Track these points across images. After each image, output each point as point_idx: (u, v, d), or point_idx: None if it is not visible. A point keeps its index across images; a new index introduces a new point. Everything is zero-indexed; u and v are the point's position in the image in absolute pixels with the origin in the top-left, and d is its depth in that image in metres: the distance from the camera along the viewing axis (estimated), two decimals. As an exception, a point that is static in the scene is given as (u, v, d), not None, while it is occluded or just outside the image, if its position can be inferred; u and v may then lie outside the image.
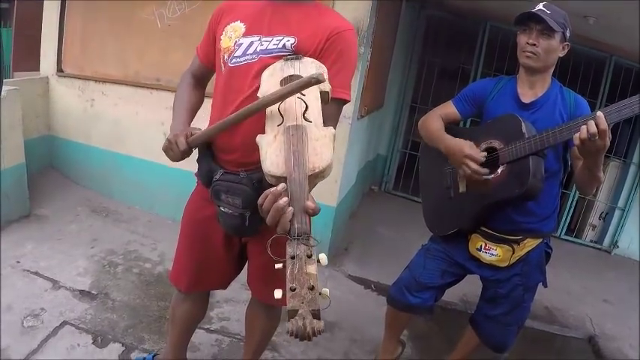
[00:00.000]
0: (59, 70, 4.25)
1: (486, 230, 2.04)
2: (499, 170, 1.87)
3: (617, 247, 5.44)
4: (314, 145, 1.14)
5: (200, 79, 1.79)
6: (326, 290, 0.89)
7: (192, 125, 1.61)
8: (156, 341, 2.47)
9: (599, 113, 1.54)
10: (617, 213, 5.44)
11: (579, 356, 3.27)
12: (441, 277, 2.18)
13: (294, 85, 1.21)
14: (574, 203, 5.47)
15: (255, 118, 1.36)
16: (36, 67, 4.53)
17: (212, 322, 2.72)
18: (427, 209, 2.28)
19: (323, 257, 0.94)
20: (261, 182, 1.47)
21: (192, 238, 1.79)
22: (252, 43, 1.50)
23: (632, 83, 5.02)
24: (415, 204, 4.94)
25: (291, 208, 1.00)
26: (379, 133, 5.50)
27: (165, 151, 1.50)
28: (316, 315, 0.86)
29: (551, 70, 1.97)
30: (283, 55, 1.45)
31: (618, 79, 5.06)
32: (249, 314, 2.03)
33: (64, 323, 2.47)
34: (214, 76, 1.69)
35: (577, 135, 1.56)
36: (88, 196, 4.06)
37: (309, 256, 0.92)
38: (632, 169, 5.34)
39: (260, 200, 1.07)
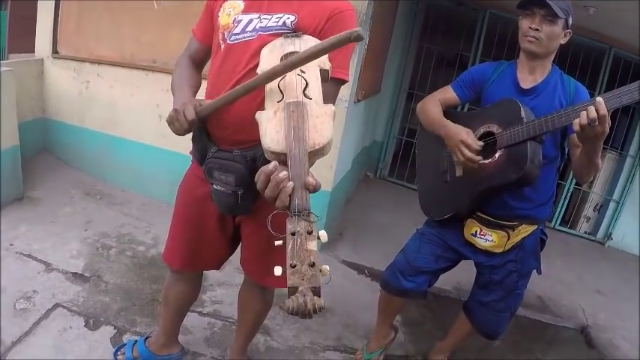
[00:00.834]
0: (54, 51, 4.20)
1: (482, 216, 2.03)
2: (496, 155, 1.86)
3: (611, 239, 5.46)
4: (314, 122, 1.13)
5: (198, 62, 1.75)
6: (326, 267, 0.88)
7: None
8: (148, 324, 2.47)
9: (599, 99, 1.53)
10: (611, 205, 5.46)
11: (571, 346, 3.28)
12: (435, 261, 2.18)
13: (305, 54, 1.19)
14: (569, 194, 5.49)
15: (252, 95, 1.35)
16: (31, 48, 4.48)
17: (205, 305, 2.72)
18: (423, 193, 2.28)
19: (323, 234, 0.93)
20: (255, 160, 1.46)
21: (185, 217, 1.78)
22: (251, 20, 1.49)
23: (631, 75, 5.01)
24: (410, 191, 4.97)
25: (291, 182, 0.98)
26: (376, 119, 5.49)
27: (170, 123, 1.44)
28: (317, 292, 0.85)
29: (552, 57, 1.96)
30: (283, 33, 1.44)
31: (617, 71, 5.05)
32: (243, 296, 2.03)
33: (56, 305, 2.46)
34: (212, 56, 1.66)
35: (577, 120, 1.56)
36: (82, 179, 4.04)
37: (310, 233, 0.90)
38: (629, 161, 5.35)
39: (257, 176, 1.03)
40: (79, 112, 4.11)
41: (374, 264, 3.44)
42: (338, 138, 3.16)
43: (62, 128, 4.25)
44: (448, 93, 2.17)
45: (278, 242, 0.90)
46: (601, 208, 5.55)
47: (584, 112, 1.53)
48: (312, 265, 0.86)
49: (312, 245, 0.89)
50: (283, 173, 0.99)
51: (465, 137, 1.89)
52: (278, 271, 0.87)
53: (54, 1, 4.12)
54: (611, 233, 5.46)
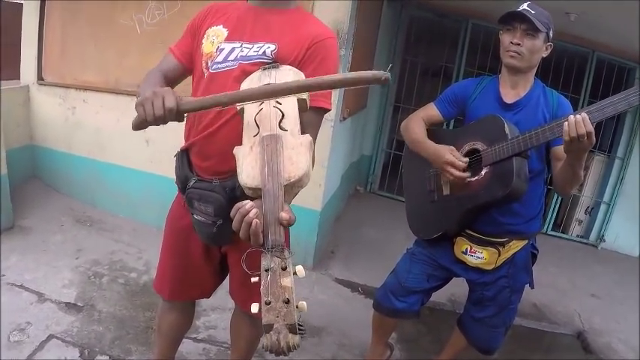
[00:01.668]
0: (40, 78, 4.20)
1: (471, 233, 2.03)
2: (482, 172, 1.87)
3: (604, 241, 5.49)
4: (289, 154, 1.12)
5: (169, 79, 1.61)
6: (303, 303, 0.88)
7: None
8: (143, 352, 2.45)
9: (584, 115, 1.55)
10: (602, 207, 5.49)
11: (569, 352, 3.28)
12: (426, 281, 2.18)
13: (284, 86, 1.18)
14: (559, 199, 5.50)
15: (232, 126, 1.35)
16: (16, 75, 4.48)
17: (199, 331, 2.70)
18: (411, 213, 2.27)
19: (300, 269, 0.93)
20: (234, 190, 1.46)
21: (173, 247, 1.78)
22: (233, 49, 1.50)
23: (615, 78, 5.07)
24: (401, 204, 4.87)
25: (256, 221, 0.98)
26: (363, 133, 5.50)
27: (139, 105, 1.23)
28: (292, 329, 0.85)
29: (534, 70, 1.97)
30: (263, 62, 1.45)
31: (601, 75, 5.11)
32: (234, 323, 2.02)
33: (50, 337, 2.44)
34: (192, 83, 1.64)
35: (566, 130, 1.57)
36: (72, 205, 4.02)
37: (284, 269, 0.90)
38: (617, 163, 5.38)
39: (232, 213, 1.04)
40: (67, 139, 4.10)
41: (367, 281, 3.43)
42: (325, 157, 3.18)
43: (50, 155, 4.23)
44: (431, 111, 2.17)
45: (254, 279, 0.91)
46: (592, 211, 5.58)
47: (574, 127, 1.54)
48: (287, 301, 0.86)
49: (287, 282, 0.89)
50: (252, 212, 1.00)
51: (449, 158, 1.89)
52: (255, 308, 0.87)
53: (38, 28, 4.13)
54: (603, 235, 5.48)
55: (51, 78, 4.16)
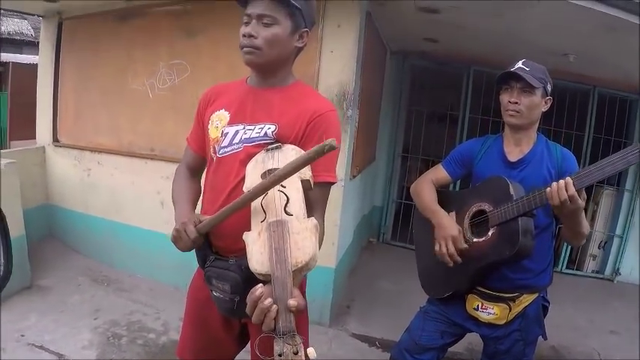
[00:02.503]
0: (55, 140, 4.35)
1: (482, 290, 2.05)
2: (489, 233, 1.90)
3: (620, 274, 5.43)
4: (296, 239, 1.17)
5: (195, 170, 1.80)
6: (311, 350, 0.94)
7: None
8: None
9: (567, 179, 1.61)
10: (615, 241, 5.45)
11: (590, 393, 3.24)
12: (440, 337, 2.19)
13: (290, 167, 1.23)
14: (572, 236, 5.47)
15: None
16: (32, 134, 4.62)
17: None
18: (423, 272, 2.30)
19: (311, 351, 0.98)
20: (249, 269, 1.51)
21: (194, 317, 1.81)
22: (237, 132, 1.55)
23: (618, 111, 5.12)
24: (414, 253, 4.92)
25: (275, 307, 1.05)
26: (373, 185, 5.55)
27: (174, 241, 1.47)
28: None
29: (536, 126, 2.01)
30: (266, 143, 1.49)
31: (604, 109, 5.16)
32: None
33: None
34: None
35: (550, 194, 1.63)
36: (89, 265, 4.08)
37: (296, 353, 0.97)
38: (627, 196, 5.38)
39: (247, 299, 1.11)
40: (82, 199, 4.21)
41: (384, 334, 3.42)
42: (337, 216, 3.23)
43: (66, 214, 4.34)
44: (440, 172, 2.21)
45: None
46: (605, 245, 5.55)
47: (556, 193, 1.60)
48: None
49: None
50: (268, 300, 1.06)
51: (456, 234, 1.95)
52: None
53: (52, 91, 4.30)
54: (618, 268, 5.43)
55: (66, 140, 4.30)
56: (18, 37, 10.60)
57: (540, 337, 2.18)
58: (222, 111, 1.60)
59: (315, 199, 1.43)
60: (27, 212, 3.72)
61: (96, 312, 3.40)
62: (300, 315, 1.14)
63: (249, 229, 1.29)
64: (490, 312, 2.05)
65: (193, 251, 1.70)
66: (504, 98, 1.96)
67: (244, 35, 1.47)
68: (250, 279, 1.17)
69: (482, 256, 1.92)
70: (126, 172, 3.92)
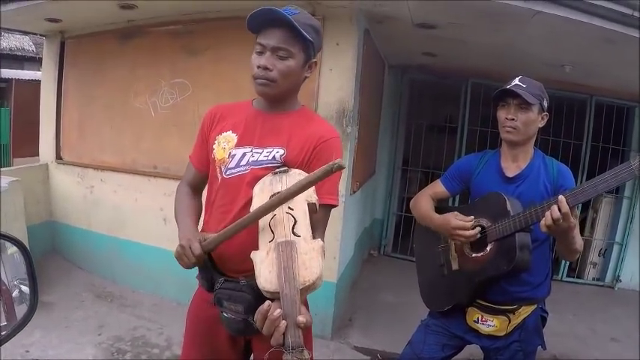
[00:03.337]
0: (58, 157, 4.39)
1: (482, 303, 2.07)
2: (488, 248, 1.93)
3: (620, 281, 5.46)
4: (303, 260, 1.21)
5: (196, 188, 1.82)
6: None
7: None
8: None
9: (560, 197, 1.64)
10: (615, 248, 5.48)
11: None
12: (441, 350, 2.21)
13: (294, 188, 1.30)
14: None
15: (248, 230, 1.43)
16: (35, 151, 4.67)
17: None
18: (423, 286, 2.34)
19: None
20: None
21: (197, 337, 1.82)
22: (244, 154, 1.58)
23: (615, 119, 5.16)
24: (415, 265, 4.92)
25: (284, 321, 1.10)
26: (374, 198, 5.59)
27: (178, 258, 1.48)
28: None
29: (533, 141, 2.04)
30: (273, 166, 1.53)
31: (601, 118, 5.20)
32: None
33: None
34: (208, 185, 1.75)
35: (543, 222, 1.66)
36: (93, 281, 4.11)
37: None
38: (625, 203, 5.41)
39: (256, 314, 1.16)
40: (86, 216, 4.24)
41: (386, 346, 3.44)
42: (338, 231, 3.26)
43: (70, 231, 4.38)
44: (438, 187, 2.25)
45: None
46: (605, 252, 5.57)
47: (548, 213, 1.63)
48: None
49: None
50: (277, 311, 1.11)
51: (455, 223, 1.97)
52: None
53: (55, 108, 4.36)
54: (619, 275, 5.46)
55: (69, 157, 4.35)
56: (19, 53, 10.65)
57: (540, 347, 2.21)
58: (230, 133, 1.63)
59: (318, 221, 1.46)
60: (30, 229, 3.76)
61: (100, 328, 3.43)
62: (307, 331, 1.18)
63: (253, 250, 1.32)
64: (490, 324, 2.08)
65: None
66: (501, 115, 1.99)
67: (259, 67, 1.49)
68: (262, 298, 1.21)
69: (481, 271, 1.95)
70: (129, 189, 3.96)
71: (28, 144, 5.25)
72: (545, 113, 1.99)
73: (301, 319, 1.10)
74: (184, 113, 3.59)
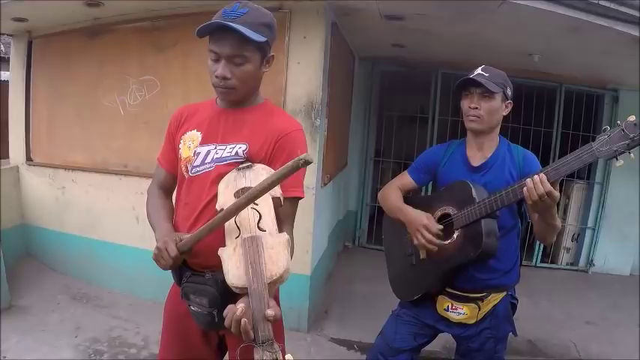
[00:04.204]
0: (28, 159, 4.33)
1: (451, 291, 2.10)
2: (455, 235, 1.95)
3: (594, 265, 5.60)
4: (270, 254, 1.23)
5: (167, 189, 1.82)
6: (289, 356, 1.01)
7: None
8: None
9: (542, 176, 1.66)
10: (588, 233, 5.62)
11: (567, 385, 3.32)
12: (413, 339, 2.24)
13: (258, 188, 1.28)
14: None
15: None
16: (5, 154, 4.58)
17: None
18: (393, 277, 2.36)
19: (289, 358, 1.06)
20: (225, 282, 1.54)
21: (172, 333, 1.83)
22: (209, 151, 1.59)
23: (585, 106, 5.26)
24: (385, 256, 5.02)
25: (244, 320, 1.11)
26: (347, 190, 5.61)
27: (156, 260, 1.48)
28: None
29: (497, 129, 2.07)
30: (237, 162, 1.54)
31: (571, 105, 5.29)
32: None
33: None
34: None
35: (527, 195, 1.67)
36: (67, 283, 4.07)
37: None
38: (597, 189, 5.54)
39: (225, 313, 1.18)
40: (58, 217, 4.20)
41: (363, 337, 3.46)
42: (310, 224, 3.28)
43: (43, 233, 4.33)
44: (405, 179, 2.26)
45: None
46: (578, 237, 5.70)
47: (533, 189, 1.65)
48: None
49: None
50: (240, 306, 1.14)
51: (426, 222, 1.99)
52: None
53: (24, 109, 4.31)
54: (592, 260, 5.59)
55: (39, 158, 4.29)
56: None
57: (511, 333, 2.24)
58: (194, 131, 1.64)
59: (285, 214, 1.48)
60: (3, 233, 3.71)
61: (76, 330, 3.40)
62: (277, 324, 1.20)
63: (222, 246, 1.34)
64: (460, 312, 2.10)
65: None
66: (465, 104, 2.01)
67: (217, 77, 1.49)
68: (227, 292, 1.23)
69: (449, 258, 1.97)
70: (100, 188, 3.93)
71: (-1, 146, 5.16)
72: (509, 101, 2.02)
73: (270, 312, 1.11)
74: (153, 110, 3.58)
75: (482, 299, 2.07)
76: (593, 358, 3.55)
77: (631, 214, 5.47)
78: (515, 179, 1.92)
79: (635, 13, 3.00)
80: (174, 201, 1.76)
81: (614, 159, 1.62)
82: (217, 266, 1.50)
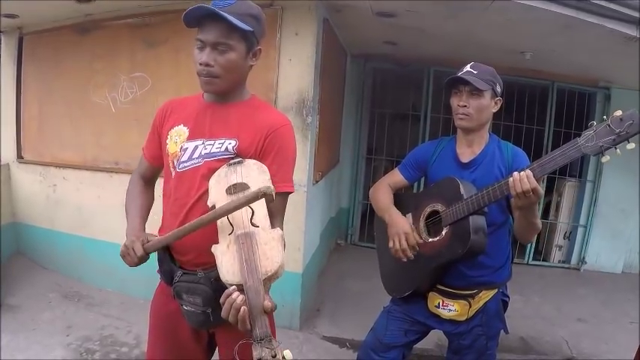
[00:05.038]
0: (19, 156, 4.29)
1: (442, 288, 2.10)
2: (443, 232, 1.95)
3: (585, 263, 5.61)
4: (264, 250, 1.23)
5: (148, 180, 1.84)
6: (288, 352, 1.02)
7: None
8: None
9: (528, 172, 1.65)
10: (580, 230, 5.63)
11: (558, 382, 3.33)
12: (404, 335, 2.24)
13: (243, 200, 1.31)
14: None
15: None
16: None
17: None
18: (384, 274, 2.36)
19: (288, 353, 1.06)
20: (219, 280, 1.53)
21: (160, 332, 1.82)
22: (196, 147, 1.58)
23: (577, 104, 5.27)
24: (377, 253, 5.01)
25: (244, 308, 1.12)
26: (339, 187, 5.61)
27: (122, 257, 1.53)
28: None
29: (487, 126, 2.07)
30: (227, 158, 1.53)
31: (563, 103, 5.31)
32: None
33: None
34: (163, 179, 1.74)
35: (513, 192, 1.67)
36: (59, 281, 4.05)
37: (274, 357, 1.04)
38: (589, 187, 5.55)
39: (221, 300, 1.19)
40: (49, 215, 4.18)
41: (355, 335, 3.45)
42: (302, 221, 3.26)
43: (34, 231, 4.30)
44: (396, 176, 2.27)
45: None
46: (570, 235, 5.72)
47: (518, 184, 1.65)
48: None
49: None
50: (240, 299, 1.14)
51: (408, 230, 2.01)
52: None
53: (15, 107, 4.26)
54: (584, 257, 5.61)
55: (30, 156, 4.26)
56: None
57: (502, 330, 2.25)
58: (181, 126, 1.63)
59: (276, 209, 1.48)
60: (-6, 231, 3.69)
61: (68, 328, 3.38)
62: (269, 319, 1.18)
63: (213, 243, 1.33)
64: (451, 309, 2.11)
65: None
66: (454, 102, 2.01)
67: (201, 64, 1.49)
68: (220, 290, 1.22)
69: (438, 255, 1.97)
70: (91, 186, 3.91)
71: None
72: (499, 98, 2.02)
73: (268, 304, 1.12)
74: (144, 107, 3.55)
75: (473, 296, 2.08)
76: (584, 356, 3.55)
77: (622, 212, 5.51)
78: (505, 175, 1.91)
79: (627, 11, 3.01)
80: (161, 197, 1.74)
81: (600, 154, 1.61)
82: (209, 264, 1.49)
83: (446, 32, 3.85)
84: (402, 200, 2.19)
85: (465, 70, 1.98)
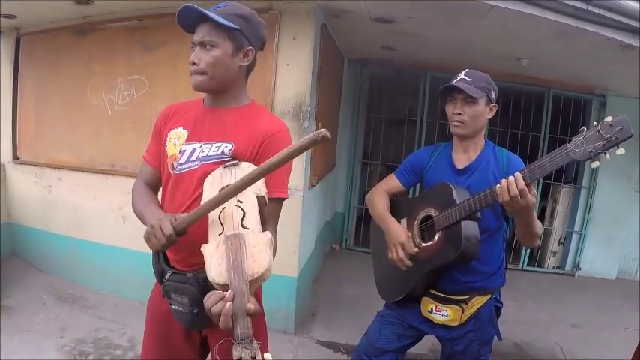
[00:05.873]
0: (15, 157, 4.29)
1: (435, 292, 2.11)
2: (436, 237, 1.96)
3: (580, 269, 5.64)
4: (252, 252, 1.23)
5: (152, 186, 1.81)
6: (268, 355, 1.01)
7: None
8: None
9: (516, 174, 1.67)
10: (574, 237, 5.66)
11: (552, 388, 3.34)
12: (397, 340, 2.24)
13: (253, 174, 1.29)
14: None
15: (201, 221, 1.43)
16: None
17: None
18: (379, 278, 2.37)
19: (267, 356, 1.05)
20: (206, 281, 1.53)
21: (154, 333, 1.83)
22: (194, 149, 1.60)
23: (572, 111, 5.29)
24: (372, 258, 5.01)
25: (230, 302, 1.12)
26: (334, 192, 5.62)
27: (147, 239, 1.42)
28: None
29: (482, 133, 2.09)
30: (223, 161, 1.54)
31: (559, 110, 5.32)
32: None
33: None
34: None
35: (500, 197, 1.69)
36: (53, 283, 4.04)
37: (253, 358, 1.03)
38: (583, 193, 5.58)
39: (206, 297, 1.19)
40: (44, 217, 4.17)
41: (349, 339, 3.45)
42: (297, 225, 3.25)
43: (29, 232, 4.29)
44: (392, 182, 2.28)
45: None
46: (565, 241, 5.74)
47: (506, 189, 1.66)
48: None
49: None
50: (229, 293, 1.13)
51: (404, 240, 2.03)
52: None
53: (11, 108, 4.26)
54: (578, 263, 5.63)
55: (26, 157, 4.25)
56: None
57: (495, 336, 2.25)
58: (180, 129, 1.65)
59: (269, 214, 1.49)
60: (-11, 231, 3.68)
61: (62, 330, 3.37)
62: (257, 321, 1.20)
63: (204, 242, 1.33)
64: (444, 314, 2.11)
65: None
66: (449, 109, 2.03)
67: (189, 63, 1.55)
68: (207, 291, 1.22)
69: (431, 260, 1.98)
70: (87, 188, 3.90)
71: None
72: (494, 104, 2.03)
73: (251, 306, 1.11)
74: (141, 110, 3.56)
75: (465, 302, 2.09)
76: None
77: (617, 218, 5.54)
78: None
79: (623, 19, 3.03)
80: (159, 199, 1.75)
81: (590, 160, 1.62)
82: (199, 265, 1.50)
83: (443, 38, 3.88)
84: (398, 205, 2.21)
85: (459, 77, 1.99)
